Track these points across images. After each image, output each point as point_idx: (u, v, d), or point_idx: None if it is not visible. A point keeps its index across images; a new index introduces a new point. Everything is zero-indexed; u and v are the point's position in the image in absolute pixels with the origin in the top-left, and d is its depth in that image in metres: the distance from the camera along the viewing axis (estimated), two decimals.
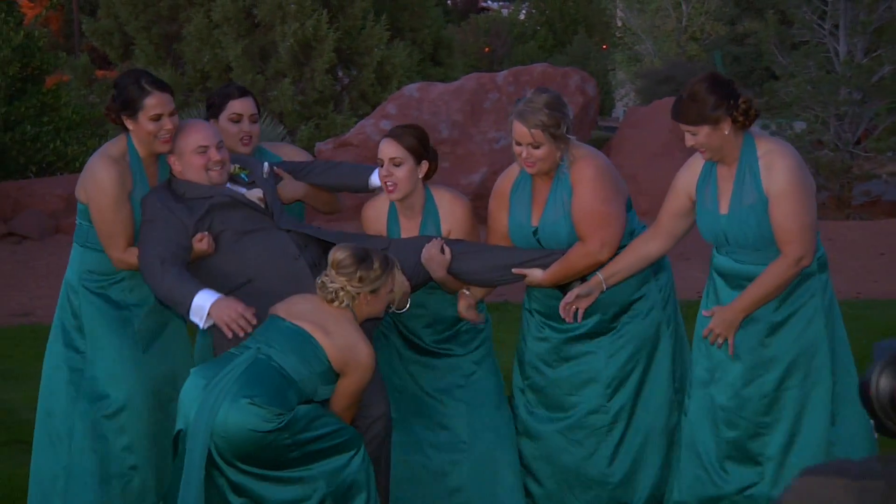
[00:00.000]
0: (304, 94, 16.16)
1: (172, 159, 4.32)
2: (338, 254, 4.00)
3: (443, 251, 4.31)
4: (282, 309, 4.01)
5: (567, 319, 4.28)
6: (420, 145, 4.39)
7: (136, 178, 4.33)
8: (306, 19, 16.21)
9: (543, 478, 4.58)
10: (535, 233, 4.37)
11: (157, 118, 4.28)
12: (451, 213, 4.47)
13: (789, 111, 15.99)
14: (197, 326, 4.10)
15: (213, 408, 3.74)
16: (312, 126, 15.91)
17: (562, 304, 4.28)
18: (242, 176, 4.43)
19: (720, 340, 4.13)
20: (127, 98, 4.31)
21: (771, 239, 4.02)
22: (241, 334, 3.99)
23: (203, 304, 3.99)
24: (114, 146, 4.37)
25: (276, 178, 4.59)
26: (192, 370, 3.96)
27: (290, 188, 4.65)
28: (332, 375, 3.92)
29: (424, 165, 4.41)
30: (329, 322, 3.96)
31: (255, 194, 4.35)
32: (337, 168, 4.74)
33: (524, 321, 4.61)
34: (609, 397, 4.46)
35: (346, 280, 3.96)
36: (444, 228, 4.45)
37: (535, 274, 4.28)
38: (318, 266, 4.21)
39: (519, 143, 4.26)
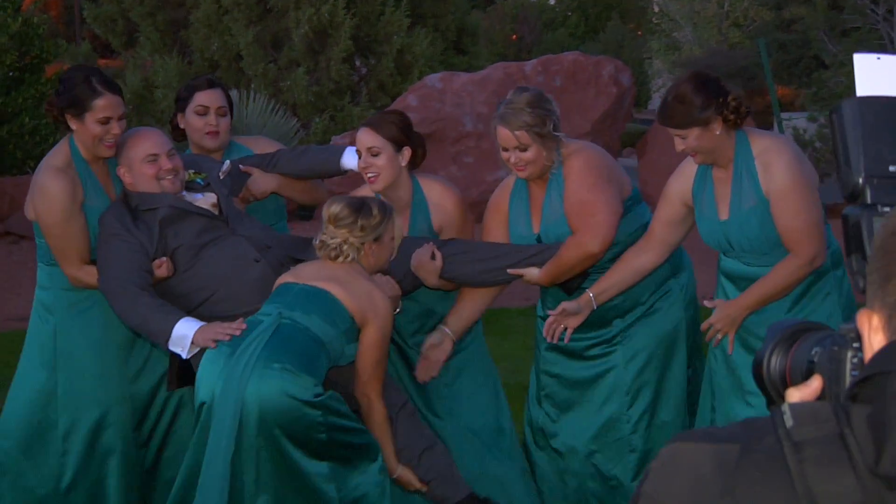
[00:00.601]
0: (318, 85, 16.19)
1: (122, 171, 4.33)
2: (333, 207, 4.04)
3: (433, 257, 4.31)
4: (289, 276, 4.06)
5: (549, 339, 4.30)
6: (400, 132, 4.41)
7: (87, 186, 4.33)
8: (322, 5, 16.22)
9: (557, 493, 4.59)
10: (538, 241, 4.39)
11: (106, 121, 4.28)
12: (441, 206, 4.49)
13: (839, 103, 15.92)
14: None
15: (242, 378, 3.76)
16: (327, 118, 15.92)
17: (546, 323, 4.31)
18: (198, 181, 4.44)
19: (719, 336, 4.11)
20: (75, 96, 4.29)
21: (777, 241, 4.02)
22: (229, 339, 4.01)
23: (186, 333, 3.99)
24: (56, 156, 4.36)
25: (243, 176, 4.60)
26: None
27: (261, 182, 4.66)
28: (355, 332, 3.98)
29: (407, 152, 4.42)
30: (341, 277, 4.00)
31: (208, 200, 4.36)
32: (306, 154, 4.73)
33: (538, 330, 4.63)
34: (629, 405, 4.47)
35: (348, 231, 4.00)
36: (435, 223, 4.48)
37: (532, 273, 4.30)
38: (285, 266, 4.24)
39: (506, 149, 4.30)
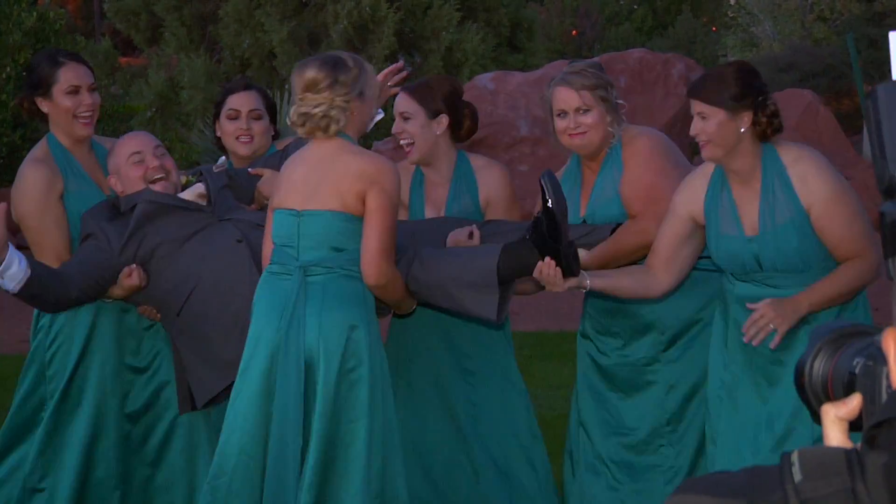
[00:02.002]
0: None
1: (113, 181, 4.40)
2: (308, 72, 4.00)
3: (471, 237, 4.34)
4: (276, 200, 4.08)
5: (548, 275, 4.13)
6: (437, 98, 4.48)
7: (67, 174, 4.44)
8: None
9: None
10: (583, 223, 4.42)
11: (75, 90, 4.41)
12: (489, 178, 4.56)
13: (874, 87, 15.82)
14: None
15: (300, 327, 3.89)
16: None
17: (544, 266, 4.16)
18: (193, 181, 4.50)
19: (767, 330, 3.96)
20: (38, 75, 4.45)
21: (813, 258, 4.02)
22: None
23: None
24: (37, 149, 4.51)
25: (253, 180, 4.67)
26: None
27: (273, 182, 4.71)
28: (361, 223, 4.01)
29: (443, 120, 4.48)
30: (328, 172, 4.01)
31: (194, 191, 4.42)
32: None
33: (578, 349, 4.71)
34: (670, 434, 4.50)
35: (330, 93, 3.98)
36: (482, 198, 4.54)
37: (580, 256, 4.31)
38: None
39: (563, 113, 4.35)
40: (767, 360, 4.09)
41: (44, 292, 4.15)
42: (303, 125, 4.02)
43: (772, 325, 3.97)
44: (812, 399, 1.52)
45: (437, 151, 4.51)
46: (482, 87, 13.23)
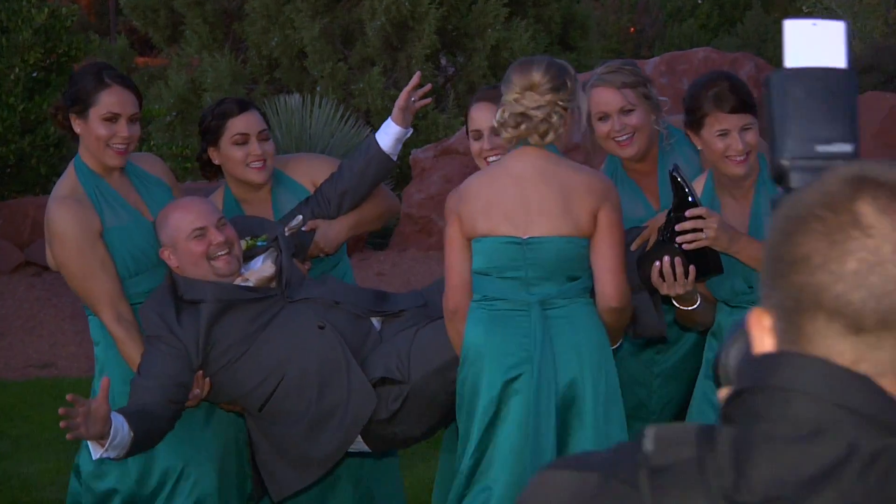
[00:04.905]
0: (397, 88, 16.28)
1: (166, 254, 4.34)
2: (532, 71, 3.98)
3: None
4: (477, 225, 4.00)
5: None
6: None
7: (101, 209, 4.36)
8: None
9: None
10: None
11: (112, 119, 4.31)
12: None
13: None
14: None
15: (552, 368, 3.93)
16: None
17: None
18: (259, 244, 4.45)
19: (698, 236, 4.02)
20: (79, 90, 4.34)
21: None
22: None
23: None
24: (62, 182, 4.41)
25: (304, 234, 4.62)
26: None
27: (331, 234, 4.69)
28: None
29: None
30: (551, 189, 3.97)
31: (263, 273, 4.37)
32: (352, 169, 4.72)
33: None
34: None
35: (554, 96, 3.97)
36: None
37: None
38: (361, 320, 4.31)
39: (605, 116, 4.38)
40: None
41: (146, 440, 4.13)
42: (515, 127, 3.99)
43: (704, 234, 4.01)
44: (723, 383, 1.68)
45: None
46: None
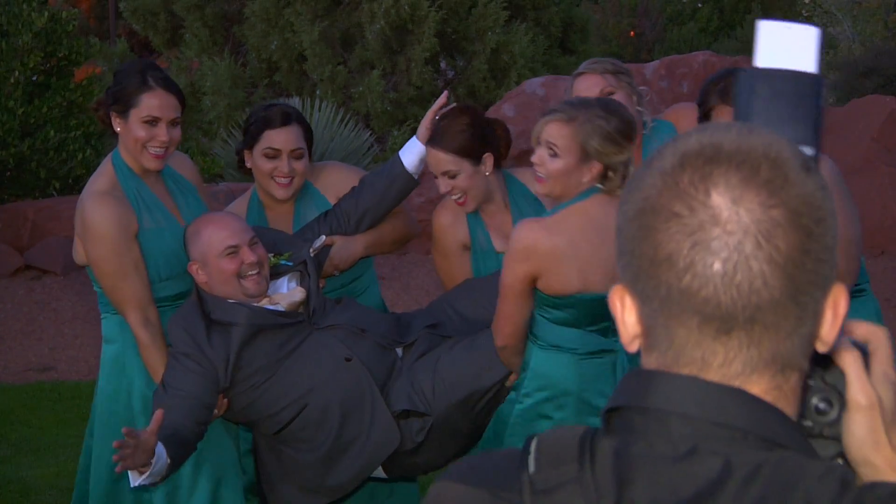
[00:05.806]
0: (397, 91, 16.30)
1: (195, 268, 4.32)
2: (612, 122, 3.95)
3: None
4: (570, 282, 3.96)
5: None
6: (472, 139, 4.44)
7: (140, 207, 4.35)
8: None
9: None
10: None
11: (153, 122, 4.30)
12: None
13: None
14: None
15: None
16: (407, 131, 16.01)
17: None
18: (283, 263, 4.42)
19: None
20: (122, 89, 4.32)
21: None
22: None
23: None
24: (98, 179, 4.37)
25: (324, 249, 4.61)
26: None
27: (345, 251, 4.67)
28: None
29: (488, 159, 4.46)
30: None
31: (292, 298, 4.34)
32: (374, 186, 4.69)
33: None
34: None
35: (631, 144, 3.98)
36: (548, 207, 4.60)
37: None
38: (387, 352, 4.29)
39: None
40: None
41: (178, 465, 4.13)
42: (610, 180, 3.98)
43: None
44: None
45: (490, 188, 4.50)
46: (531, 92, 13.21)
